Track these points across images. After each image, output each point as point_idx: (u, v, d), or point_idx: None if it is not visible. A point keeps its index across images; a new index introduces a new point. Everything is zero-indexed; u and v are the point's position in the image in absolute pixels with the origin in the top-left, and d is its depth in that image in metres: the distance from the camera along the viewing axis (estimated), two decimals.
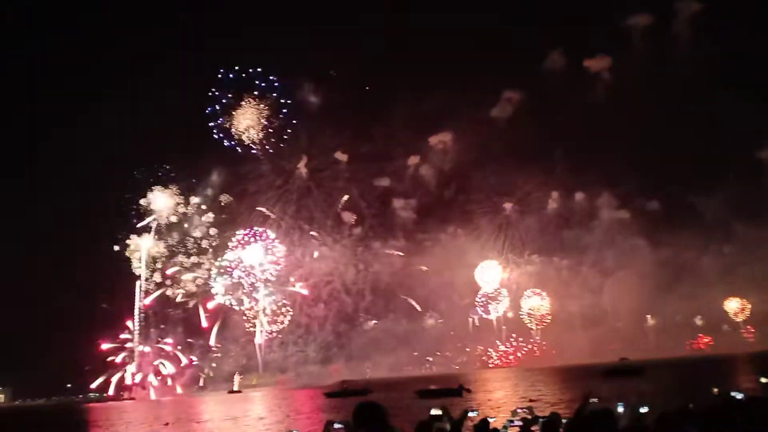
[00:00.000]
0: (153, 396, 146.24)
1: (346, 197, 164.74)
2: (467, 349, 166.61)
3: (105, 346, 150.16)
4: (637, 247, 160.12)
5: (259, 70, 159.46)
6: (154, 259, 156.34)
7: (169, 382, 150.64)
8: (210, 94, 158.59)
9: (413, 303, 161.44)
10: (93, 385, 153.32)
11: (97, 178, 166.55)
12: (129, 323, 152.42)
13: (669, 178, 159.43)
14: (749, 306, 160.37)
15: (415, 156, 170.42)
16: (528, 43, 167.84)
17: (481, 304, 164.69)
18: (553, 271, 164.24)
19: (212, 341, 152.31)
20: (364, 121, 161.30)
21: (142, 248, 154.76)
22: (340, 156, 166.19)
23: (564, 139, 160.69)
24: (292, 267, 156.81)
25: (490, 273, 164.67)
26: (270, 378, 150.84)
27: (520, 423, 10.62)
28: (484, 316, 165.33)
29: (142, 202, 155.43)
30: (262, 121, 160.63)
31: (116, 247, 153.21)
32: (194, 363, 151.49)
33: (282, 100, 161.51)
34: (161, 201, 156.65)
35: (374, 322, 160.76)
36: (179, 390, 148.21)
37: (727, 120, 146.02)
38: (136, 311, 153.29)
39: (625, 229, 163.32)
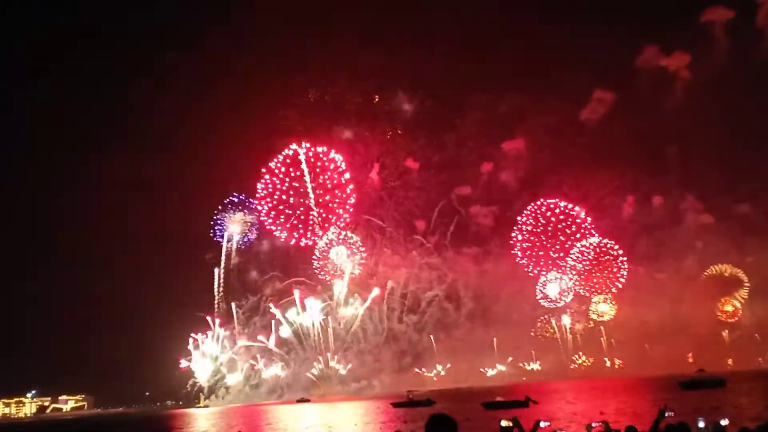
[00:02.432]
0: (219, 404, 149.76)
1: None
2: (535, 360, 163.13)
3: (184, 363, 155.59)
4: (721, 253, 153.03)
5: None
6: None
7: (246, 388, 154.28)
8: None
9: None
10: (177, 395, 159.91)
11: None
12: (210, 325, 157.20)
13: (759, 180, 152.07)
14: None
15: (488, 162, 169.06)
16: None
17: (548, 314, 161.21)
18: (631, 279, 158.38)
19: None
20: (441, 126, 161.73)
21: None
22: (411, 164, 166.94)
23: (648, 140, 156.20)
24: (367, 275, 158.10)
25: (553, 285, 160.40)
26: (338, 387, 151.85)
27: None
28: (551, 325, 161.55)
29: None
30: None
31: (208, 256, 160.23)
32: (269, 370, 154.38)
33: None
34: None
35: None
36: (245, 397, 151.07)
37: None
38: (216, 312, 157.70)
39: (708, 234, 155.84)
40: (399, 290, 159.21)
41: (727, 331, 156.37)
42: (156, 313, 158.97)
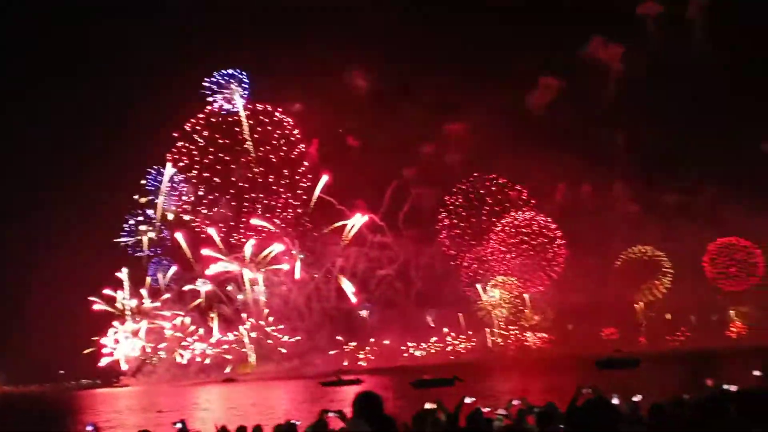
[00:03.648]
0: (143, 383, 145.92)
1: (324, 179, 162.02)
2: (462, 338, 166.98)
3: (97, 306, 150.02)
4: (644, 240, 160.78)
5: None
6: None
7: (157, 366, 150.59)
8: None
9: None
10: (95, 372, 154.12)
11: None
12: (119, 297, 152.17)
13: (683, 172, 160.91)
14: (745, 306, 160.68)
15: (430, 144, 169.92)
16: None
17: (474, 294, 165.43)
18: (556, 262, 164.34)
19: (216, 329, 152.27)
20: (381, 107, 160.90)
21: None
22: (352, 142, 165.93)
23: (586, 129, 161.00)
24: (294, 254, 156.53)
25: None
26: (262, 366, 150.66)
27: (514, 413, 10.66)
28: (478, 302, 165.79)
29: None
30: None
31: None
32: (191, 348, 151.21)
33: None
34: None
35: (366, 312, 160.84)
36: (169, 376, 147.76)
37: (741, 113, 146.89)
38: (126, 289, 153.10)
39: (634, 222, 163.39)
40: (336, 270, 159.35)
41: (642, 313, 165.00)
42: (70, 285, 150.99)
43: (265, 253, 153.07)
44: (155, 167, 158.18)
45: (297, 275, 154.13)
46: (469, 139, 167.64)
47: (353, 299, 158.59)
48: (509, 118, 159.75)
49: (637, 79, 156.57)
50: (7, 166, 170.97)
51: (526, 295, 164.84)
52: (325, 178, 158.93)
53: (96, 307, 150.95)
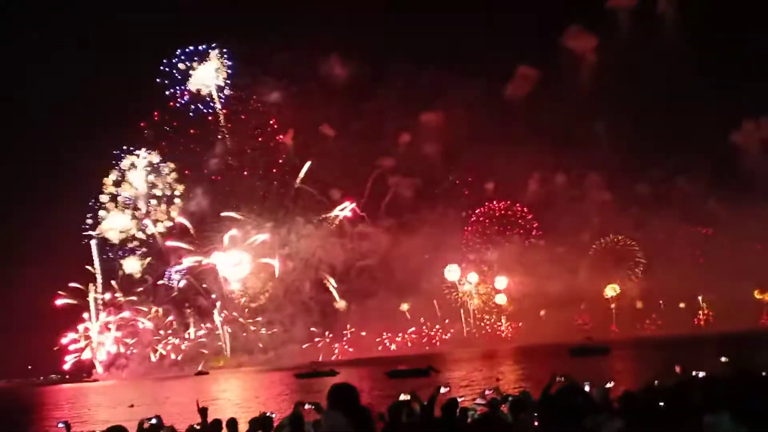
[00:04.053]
0: (114, 377, 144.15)
1: (307, 165, 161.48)
2: (437, 329, 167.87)
3: (60, 302, 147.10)
4: (617, 228, 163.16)
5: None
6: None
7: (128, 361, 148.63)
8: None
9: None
10: (65, 367, 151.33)
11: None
12: (90, 294, 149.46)
13: (655, 160, 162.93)
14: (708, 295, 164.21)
15: (406, 133, 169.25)
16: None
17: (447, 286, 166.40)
18: (530, 252, 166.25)
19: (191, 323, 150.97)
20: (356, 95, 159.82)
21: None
22: (328, 131, 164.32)
23: (562, 119, 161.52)
24: (276, 246, 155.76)
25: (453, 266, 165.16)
26: (237, 359, 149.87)
27: (488, 401, 10.76)
28: (455, 296, 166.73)
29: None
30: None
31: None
32: (164, 341, 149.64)
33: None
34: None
35: (342, 303, 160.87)
36: (142, 370, 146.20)
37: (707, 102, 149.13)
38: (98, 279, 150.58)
39: (607, 211, 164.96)
40: (314, 261, 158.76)
41: (613, 302, 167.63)
42: (38, 279, 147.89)
43: (250, 241, 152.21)
44: (125, 148, 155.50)
45: (276, 273, 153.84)
46: (446, 130, 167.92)
47: (335, 294, 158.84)
48: (486, 108, 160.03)
49: (612, 69, 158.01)
50: None
51: (500, 284, 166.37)
52: (307, 165, 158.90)
53: (61, 302, 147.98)
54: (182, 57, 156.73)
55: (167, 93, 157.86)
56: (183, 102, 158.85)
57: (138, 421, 10.55)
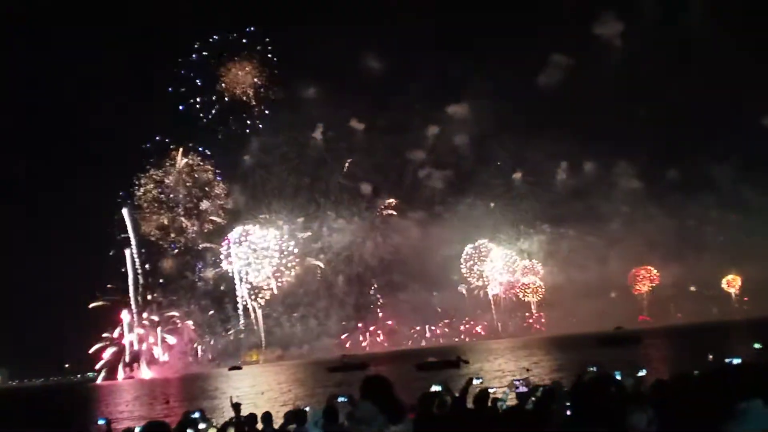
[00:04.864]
0: (151, 374, 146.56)
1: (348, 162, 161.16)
2: (468, 321, 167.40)
3: (95, 304, 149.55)
4: (649, 217, 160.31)
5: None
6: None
7: (164, 357, 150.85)
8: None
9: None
10: (99, 365, 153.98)
11: None
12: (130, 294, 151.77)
13: (687, 147, 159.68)
14: (739, 278, 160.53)
15: (434, 126, 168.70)
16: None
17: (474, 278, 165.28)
18: (561, 241, 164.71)
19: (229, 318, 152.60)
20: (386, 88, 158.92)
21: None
22: (356, 125, 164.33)
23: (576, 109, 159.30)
24: (309, 240, 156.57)
25: (484, 252, 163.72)
26: (273, 353, 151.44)
27: (520, 392, 10.79)
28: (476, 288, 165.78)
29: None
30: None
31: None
32: (196, 340, 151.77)
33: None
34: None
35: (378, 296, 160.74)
36: (180, 366, 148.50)
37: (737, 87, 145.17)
38: (131, 279, 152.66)
39: (637, 199, 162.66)
40: (343, 254, 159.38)
41: (645, 291, 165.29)
42: (74, 279, 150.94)
43: (284, 237, 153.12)
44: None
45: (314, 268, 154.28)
46: (474, 121, 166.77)
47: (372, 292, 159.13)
48: (517, 97, 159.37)
49: (641, 56, 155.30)
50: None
51: (530, 275, 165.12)
52: (348, 162, 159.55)
53: (97, 303, 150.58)
54: (218, 46, 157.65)
55: (199, 84, 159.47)
56: (215, 99, 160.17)
57: (183, 412, 10.85)
